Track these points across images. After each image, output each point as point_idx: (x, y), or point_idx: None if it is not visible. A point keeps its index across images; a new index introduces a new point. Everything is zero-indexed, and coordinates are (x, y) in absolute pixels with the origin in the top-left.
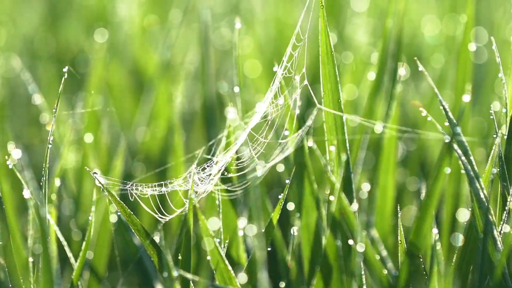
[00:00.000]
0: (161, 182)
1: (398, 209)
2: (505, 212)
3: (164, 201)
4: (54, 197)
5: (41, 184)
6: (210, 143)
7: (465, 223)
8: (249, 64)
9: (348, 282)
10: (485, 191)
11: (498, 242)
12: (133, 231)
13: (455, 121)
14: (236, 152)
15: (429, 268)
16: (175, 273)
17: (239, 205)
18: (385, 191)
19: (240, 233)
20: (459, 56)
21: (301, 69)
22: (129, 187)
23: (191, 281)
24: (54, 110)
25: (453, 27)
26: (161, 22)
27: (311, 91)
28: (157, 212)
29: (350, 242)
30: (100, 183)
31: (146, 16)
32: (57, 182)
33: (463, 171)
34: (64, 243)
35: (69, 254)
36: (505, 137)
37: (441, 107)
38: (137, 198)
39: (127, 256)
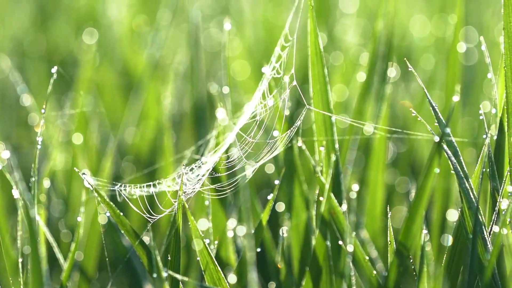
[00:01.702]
0: (150, 183)
1: (388, 210)
2: (494, 212)
3: (153, 202)
4: (43, 198)
5: (30, 185)
6: (199, 143)
7: (455, 223)
8: (238, 65)
9: (338, 282)
10: (474, 192)
11: (488, 243)
12: (122, 232)
13: (444, 121)
14: (226, 152)
15: (418, 269)
16: (164, 274)
17: (229, 206)
18: (375, 191)
19: (230, 233)
20: (448, 57)
21: (290, 70)
22: (118, 188)
23: (180, 282)
24: (43, 111)
25: (442, 28)
26: (150, 23)
27: (300, 92)
28: (145, 212)
29: (340, 242)
30: (89, 184)
31: (135, 17)
32: (46, 183)
33: (452, 172)
34: (54, 244)
35: (59, 255)
36: (495, 137)
37: (431, 108)
38: (126, 198)
39: (116, 257)
